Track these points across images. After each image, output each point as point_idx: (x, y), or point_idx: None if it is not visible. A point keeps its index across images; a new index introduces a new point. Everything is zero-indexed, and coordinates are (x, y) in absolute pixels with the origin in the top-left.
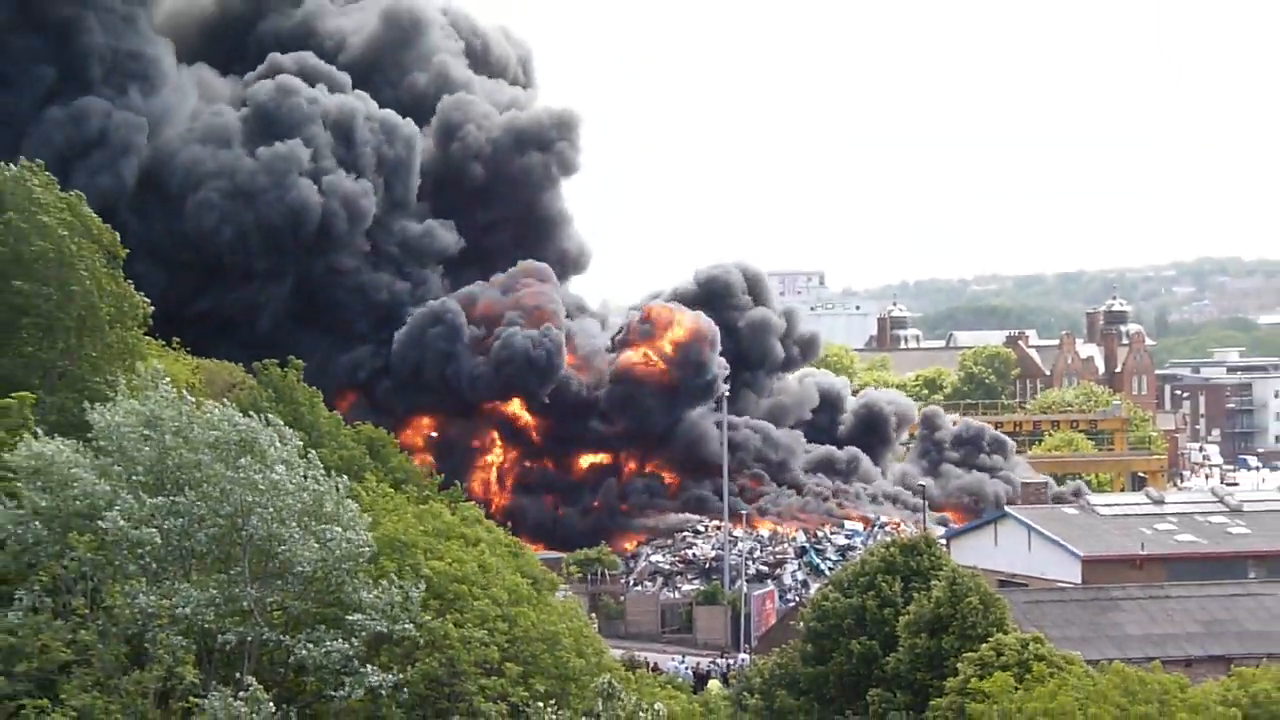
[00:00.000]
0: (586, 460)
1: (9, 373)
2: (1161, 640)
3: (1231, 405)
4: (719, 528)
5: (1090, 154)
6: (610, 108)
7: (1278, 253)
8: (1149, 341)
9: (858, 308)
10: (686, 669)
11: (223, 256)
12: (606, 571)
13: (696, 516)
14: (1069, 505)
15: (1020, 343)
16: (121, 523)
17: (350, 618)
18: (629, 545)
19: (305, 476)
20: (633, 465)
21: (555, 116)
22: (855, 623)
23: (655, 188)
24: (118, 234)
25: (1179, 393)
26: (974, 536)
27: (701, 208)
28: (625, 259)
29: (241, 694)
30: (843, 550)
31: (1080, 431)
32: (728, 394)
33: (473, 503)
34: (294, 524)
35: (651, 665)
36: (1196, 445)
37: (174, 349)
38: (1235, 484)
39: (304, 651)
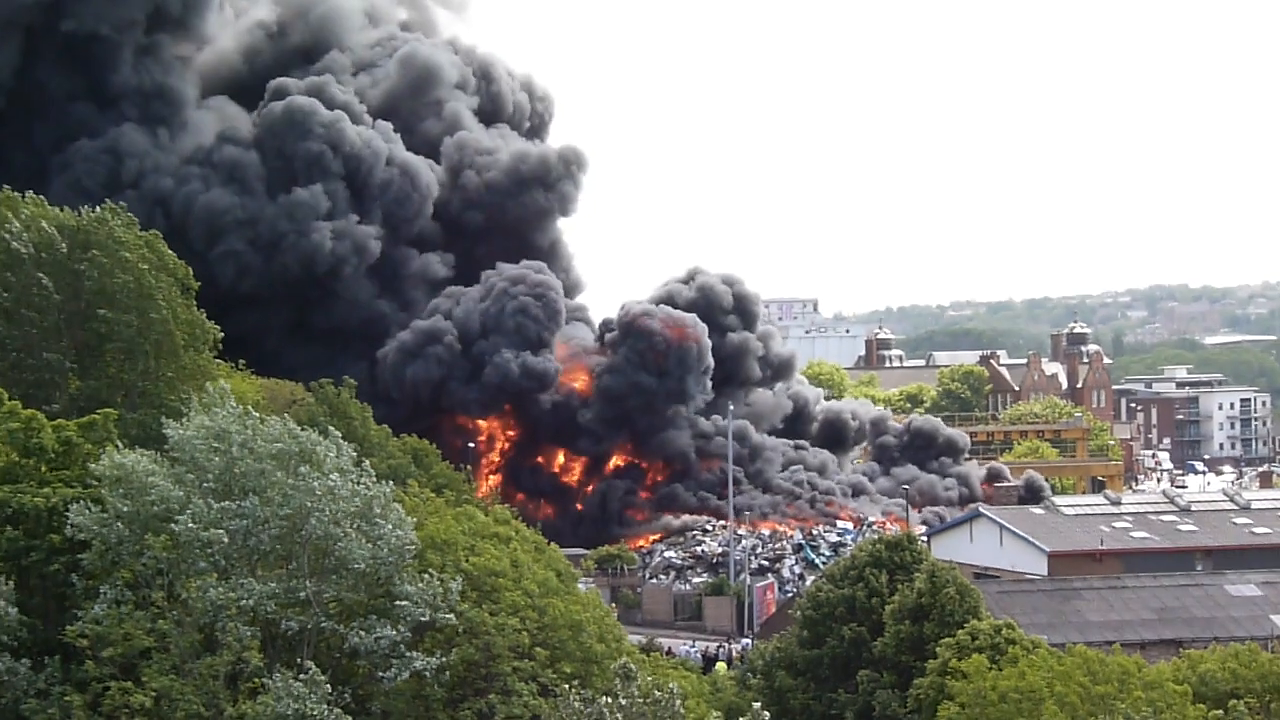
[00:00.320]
0: (576, 462)
1: (95, 392)
2: (1119, 626)
3: (1180, 417)
4: (725, 527)
5: (1054, 190)
6: (612, 144)
7: (1221, 280)
8: (1106, 360)
9: (848, 331)
10: (696, 652)
11: (238, 290)
12: (625, 566)
13: (704, 517)
14: (1035, 506)
15: (992, 362)
16: (193, 525)
17: (397, 608)
18: (644, 542)
19: (358, 483)
20: (618, 463)
21: (560, 156)
22: (846, 611)
23: (656, 220)
24: (190, 269)
25: (1133, 406)
26: (951, 534)
27: (703, 239)
28: (624, 291)
29: (301, 676)
30: (835, 547)
31: (1046, 440)
32: (709, 399)
33: (506, 506)
34: (348, 525)
35: (665, 649)
36: (1149, 452)
37: (240, 370)
38: (1184, 487)
39: (356, 638)
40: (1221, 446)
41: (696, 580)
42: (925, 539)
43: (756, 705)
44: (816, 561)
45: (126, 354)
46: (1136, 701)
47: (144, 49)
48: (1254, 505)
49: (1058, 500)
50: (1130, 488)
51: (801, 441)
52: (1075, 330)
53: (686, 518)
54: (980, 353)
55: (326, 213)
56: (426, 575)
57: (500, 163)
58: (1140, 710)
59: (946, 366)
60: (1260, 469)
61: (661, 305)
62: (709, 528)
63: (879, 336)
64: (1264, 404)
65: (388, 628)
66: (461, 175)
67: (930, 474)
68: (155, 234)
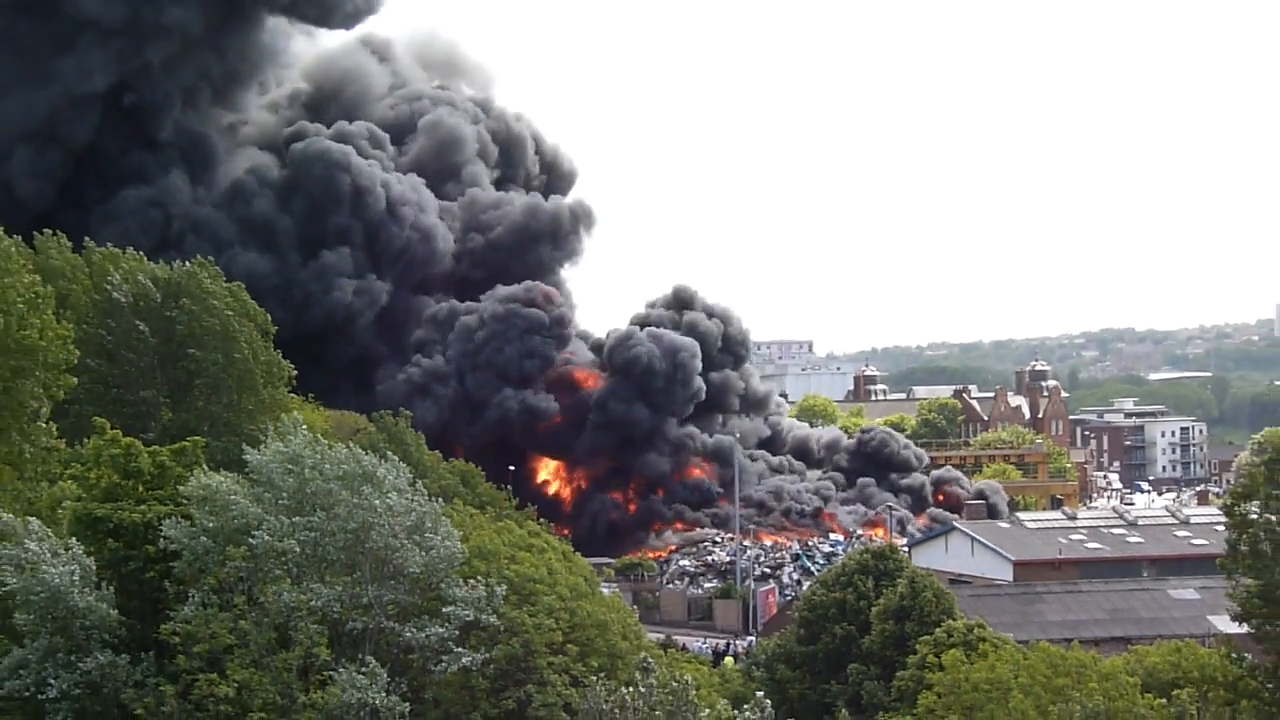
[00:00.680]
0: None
1: (185, 422)
2: (1076, 625)
3: (1128, 443)
4: (732, 539)
5: (1017, 244)
6: (618, 194)
7: (1164, 324)
8: (1064, 394)
9: (839, 369)
10: (707, 648)
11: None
12: (645, 573)
13: (714, 531)
14: (1002, 520)
15: (964, 395)
16: (269, 537)
17: (446, 609)
18: (663, 553)
19: (412, 501)
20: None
21: (571, 211)
22: (838, 612)
23: (661, 267)
24: (269, 315)
25: (1087, 434)
26: (929, 545)
27: (713, 288)
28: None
29: (364, 670)
30: (828, 556)
31: (1011, 463)
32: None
33: (543, 520)
34: (404, 537)
35: (680, 645)
36: (1101, 474)
37: (311, 403)
38: (1131, 504)
39: (411, 636)
40: (1164, 469)
41: (707, 585)
42: (906, 549)
43: (759, 694)
44: (812, 569)
45: (212, 389)
46: (1092, 691)
47: (188, 104)
48: (1192, 520)
49: (1021, 515)
50: (1084, 505)
51: (780, 459)
52: (1036, 368)
53: (698, 531)
54: (954, 387)
55: (349, 272)
56: (472, 581)
57: (510, 217)
58: (1095, 699)
59: (925, 399)
60: (1198, 489)
61: (649, 328)
62: (718, 540)
63: (866, 373)
64: (1200, 432)
65: (438, 627)
66: (469, 236)
67: (884, 487)
68: (239, 285)
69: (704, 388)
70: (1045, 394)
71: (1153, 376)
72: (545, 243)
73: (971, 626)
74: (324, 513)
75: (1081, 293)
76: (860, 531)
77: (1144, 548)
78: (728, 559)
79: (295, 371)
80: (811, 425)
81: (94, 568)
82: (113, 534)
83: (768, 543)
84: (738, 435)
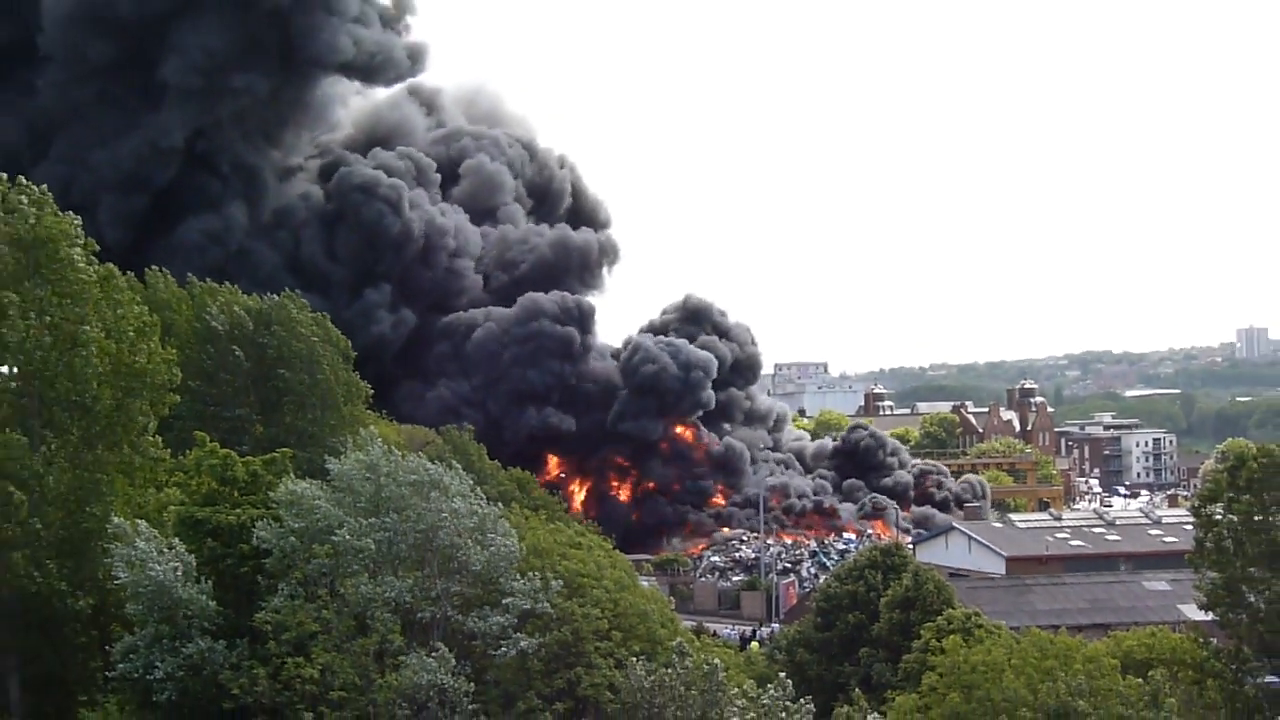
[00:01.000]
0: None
1: (274, 435)
2: (1061, 613)
3: (1106, 452)
4: (757, 538)
5: (1009, 277)
6: (640, 218)
7: (1138, 347)
8: (1050, 409)
9: (850, 387)
10: (735, 634)
11: None
12: (680, 568)
13: (741, 531)
14: (996, 521)
15: (962, 410)
16: (348, 537)
17: (506, 600)
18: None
19: (474, 505)
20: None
21: (600, 246)
22: (850, 602)
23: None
24: (349, 341)
25: (1070, 444)
26: (931, 543)
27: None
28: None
29: (433, 654)
30: (841, 553)
31: (1003, 470)
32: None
33: (589, 521)
34: (467, 537)
35: (711, 632)
36: (1083, 480)
37: (386, 419)
38: (1109, 506)
39: (474, 624)
40: (1138, 475)
41: (735, 579)
42: (911, 546)
43: (782, 675)
44: (827, 564)
45: (299, 406)
46: (1076, 672)
47: (248, 146)
48: (1164, 520)
49: (1013, 516)
50: (1068, 507)
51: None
52: (1025, 386)
53: (727, 531)
54: (953, 403)
55: (387, 305)
56: (528, 575)
57: (539, 250)
58: (1079, 678)
59: (927, 414)
60: (1168, 493)
61: (663, 338)
62: (745, 538)
63: (875, 391)
64: (1171, 442)
65: (499, 616)
66: (495, 276)
67: (870, 486)
68: (324, 315)
69: (713, 398)
70: (1033, 409)
71: (1128, 394)
72: (572, 276)
73: (969, 615)
74: (397, 515)
75: (1065, 319)
76: (870, 531)
77: (1121, 545)
78: (753, 555)
79: (371, 391)
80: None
81: (195, 564)
82: (211, 534)
83: (788, 541)
84: (763, 448)
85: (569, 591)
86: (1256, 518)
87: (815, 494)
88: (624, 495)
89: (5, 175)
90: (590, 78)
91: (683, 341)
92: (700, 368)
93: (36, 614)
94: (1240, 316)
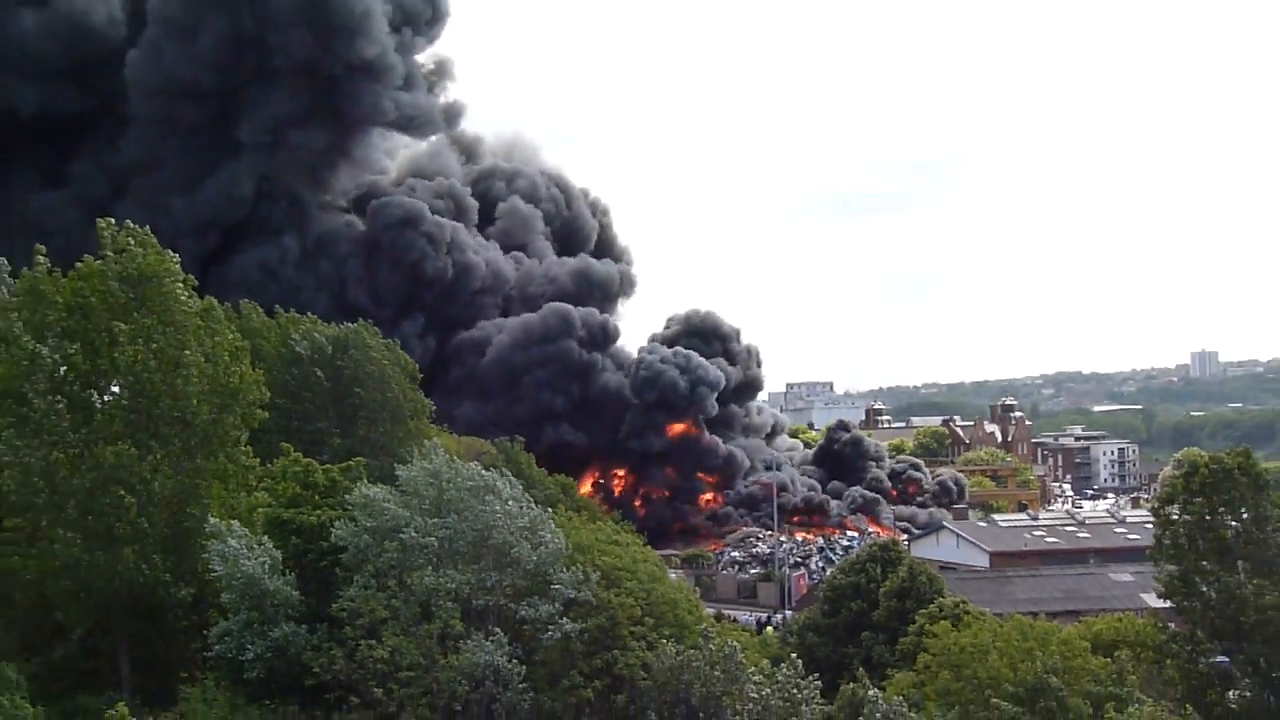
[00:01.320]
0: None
1: (350, 446)
2: (1039, 601)
3: (1077, 460)
4: (771, 535)
5: (988, 304)
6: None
7: (1105, 367)
8: (1028, 423)
9: (854, 403)
10: (752, 620)
11: None
12: (704, 561)
13: (756, 529)
14: (980, 520)
15: (951, 424)
16: (414, 535)
17: (552, 590)
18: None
19: (524, 507)
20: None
21: (621, 276)
22: (853, 592)
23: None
24: (416, 364)
25: (1046, 453)
26: (924, 540)
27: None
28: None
29: (489, 638)
30: (845, 549)
31: (986, 476)
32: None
33: (627, 521)
34: (519, 535)
35: (731, 618)
36: (1057, 484)
37: (447, 432)
38: (1080, 508)
39: (525, 611)
40: (1105, 480)
41: (752, 571)
42: (906, 542)
43: (793, 656)
44: (833, 558)
45: (371, 421)
46: (1052, 652)
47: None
48: (1128, 520)
49: (995, 517)
50: (1044, 508)
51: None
52: (1006, 403)
53: (745, 529)
54: (943, 418)
55: (419, 333)
56: (572, 568)
57: (560, 281)
58: (1054, 658)
59: (920, 427)
60: (1132, 495)
61: (675, 349)
62: (761, 535)
63: (874, 407)
64: (1133, 452)
65: (546, 604)
66: (514, 306)
67: (850, 482)
68: (395, 341)
69: (715, 407)
70: (1013, 423)
71: (1096, 409)
72: (592, 304)
73: (957, 603)
74: (457, 516)
75: (1041, 343)
76: (870, 530)
77: (1090, 541)
78: (768, 551)
79: (434, 407)
80: None
81: (280, 559)
82: (295, 533)
83: (799, 538)
84: (776, 457)
85: (607, 582)
86: (1208, 518)
87: (806, 490)
88: (634, 500)
89: (113, 220)
90: (614, 106)
91: (690, 353)
92: (707, 383)
93: (144, 602)
94: (1194, 341)
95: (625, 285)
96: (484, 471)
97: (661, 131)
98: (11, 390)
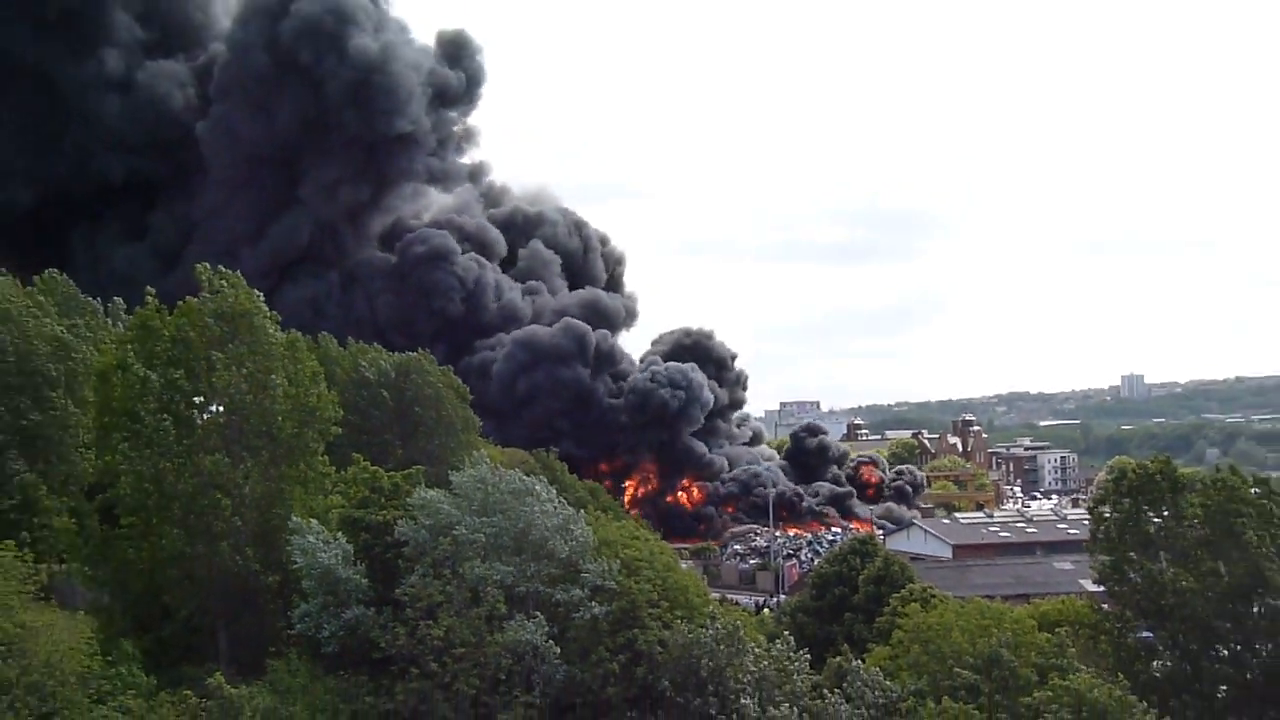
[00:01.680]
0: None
1: (411, 456)
2: (994, 586)
3: (1026, 467)
4: (768, 530)
5: (950, 332)
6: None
7: (1049, 388)
8: (984, 435)
9: (837, 420)
10: (752, 603)
11: None
12: (710, 553)
13: (754, 525)
14: (944, 518)
15: (919, 437)
16: (465, 531)
17: (582, 578)
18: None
19: (558, 507)
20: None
21: (625, 307)
22: (837, 579)
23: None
24: (467, 387)
25: (999, 461)
26: (898, 535)
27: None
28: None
29: (529, 620)
30: (830, 543)
31: (950, 480)
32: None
33: (644, 519)
34: (554, 532)
35: (734, 601)
36: (1009, 487)
37: (493, 444)
38: (1029, 507)
39: (559, 595)
40: (1050, 484)
41: (751, 562)
42: (882, 537)
43: (786, 634)
44: (820, 551)
45: (429, 435)
46: (1005, 630)
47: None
48: (1069, 517)
49: (958, 515)
50: (998, 508)
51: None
52: (966, 419)
53: (746, 526)
54: (913, 431)
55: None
56: (599, 559)
57: (570, 311)
58: (1007, 634)
59: (894, 439)
60: (1072, 496)
61: (671, 364)
62: (759, 531)
63: (854, 423)
64: (1074, 459)
65: (577, 589)
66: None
67: (815, 477)
68: (449, 368)
69: (703, 421)
70: (972, 436)
71: (1042, 423)
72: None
73: (925, 588)
74: (501, 515)
75: (995, 368)
76: (852, 526)
77: (1038, 535)
78: (765, 545)
79: (480, 424)
80: None
81: (352, 551)
82: (364, 529)
83: (791, 533)
84: (768, 467)
85: (628, 571)
86: (1134, 515)
87: (775, 485)
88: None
89: (209, 265)
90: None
91: (688, 370)
92: (700, 402)
93: (238, 587)
94: (1124, 366)
95: (629, 318)
96: (524, 477)
97: (675, 188)
98: (126, 410)
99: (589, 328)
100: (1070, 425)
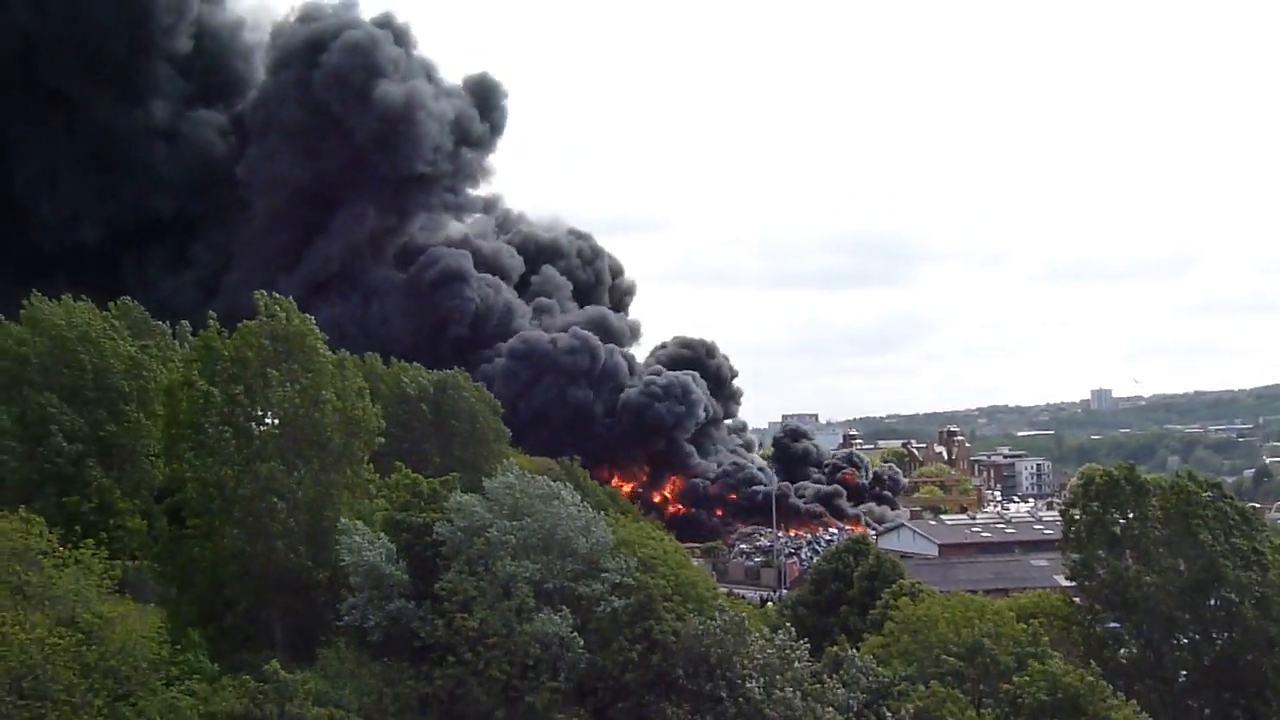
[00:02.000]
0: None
1: (448, 464)
2: (977, 582)
3: (1005, 474)
4: (770, 531)
5: (940, 348)
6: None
7: (1025, 401)
8: (967, 445)
9: (834, 431)
10: (757, 597)
11: None
12: (719, 552)
13: (758, 526)
14: (931, 520)
15: (908, 446)
16: (497, 533)
17: (603, 575)
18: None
19: (581, 510)
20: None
21: (630, 327)
22: (834, 575)
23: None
24: (499, 403)
25: (981, 468)
26: (889, 535)
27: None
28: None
29: (555, 613)
30: (827, 542)
31: (936, 486)
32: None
33: (658, 521)
34: (577, 532)
35: (740, 595)
36: (990, 492)
37: (522, 452)
38: (1007, 510)
39: (582, 590)
40: (1027, 488)
41: (756, 559)
42: (874, 536)
43: (788, 625)
44: (818, 549)
45: (464, 445)
46: (986, 621)
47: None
48: (1044, 519)
49: (943, 517)
50: (980, 510)
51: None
52: (950, 429)
53: (752, 527)
54: (903, 441)
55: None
56: (618, 557)
57: (574, 331)
58: (988, 625)
59: (885, 448)
60: (1047, 500)
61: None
62: (764, 532)
63: (850, 433)
64: (1048, 466)
65: (598, 584)
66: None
67: (799, 477)
68: (481, 385)
69: (697, 427)
70: (956, 445)
71: (1019, 434)
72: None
73: (914, 583)
74: (529, 518)
75: (977, 383)
76: (847, 526)
77: (1016, 535)
78: (769, 544)
79: (511, 434)
80: None
81: (394, 550)
82: (406, 530)
83: (793, 533)
84: (774, 470)
85: (644, 568)
86: (1101, 517)
87: (765, 485)
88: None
89: (265, 290)
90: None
91: (688, 382)
92: (694, 417)
93: (292, 582)
94: (1093, 380)
95: (634, 337)
96: (550, 483)
97: (684, 215)
98: (192, 422)
99: (598, 340)
100: (1045, 435)
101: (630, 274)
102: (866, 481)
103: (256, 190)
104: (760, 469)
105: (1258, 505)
